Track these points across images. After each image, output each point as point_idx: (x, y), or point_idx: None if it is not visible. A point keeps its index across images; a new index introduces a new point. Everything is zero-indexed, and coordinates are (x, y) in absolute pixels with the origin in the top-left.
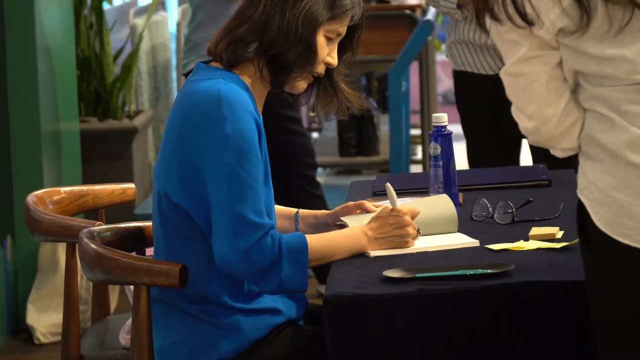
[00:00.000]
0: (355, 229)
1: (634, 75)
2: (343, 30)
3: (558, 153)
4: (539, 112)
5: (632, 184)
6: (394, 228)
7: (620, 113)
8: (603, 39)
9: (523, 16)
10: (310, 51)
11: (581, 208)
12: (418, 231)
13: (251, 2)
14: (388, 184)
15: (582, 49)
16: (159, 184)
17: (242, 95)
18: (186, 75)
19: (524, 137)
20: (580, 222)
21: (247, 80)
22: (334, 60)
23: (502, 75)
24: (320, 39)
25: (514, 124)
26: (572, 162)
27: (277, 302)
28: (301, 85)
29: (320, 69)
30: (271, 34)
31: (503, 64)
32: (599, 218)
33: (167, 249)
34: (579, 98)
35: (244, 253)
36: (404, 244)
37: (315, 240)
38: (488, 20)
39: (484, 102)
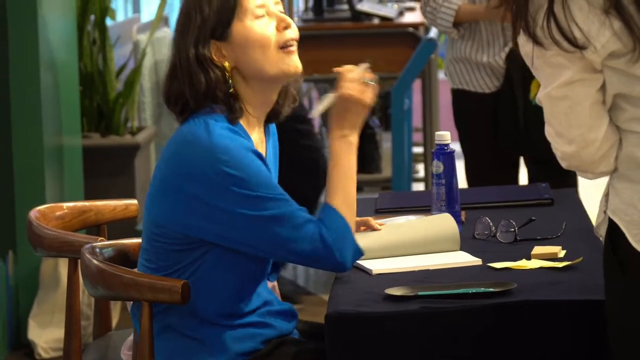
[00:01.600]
0: (334, 139)
1: None
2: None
3: (590, 177)
4: (582, 136)
5: None
6: (351, 104)
7: None
8: None
9: (571, 40)
10: (213, 68)
11: (613, 229)
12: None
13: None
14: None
15: (631, 71)
16: (151, 215)
17: (230, 136)
18: None
19: (522, 154)
20: (612, 241)
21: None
22: (285, 21)
23: (543, 98)
24: (250, 25)
25: (511, 142)
26: (570, 182)
27: (265, 318)
28: (289, 64)
29: (284, 37)
30: (185, 78)
31: (499, 83)
32: (637, 240)
33: (158, 272)
34: (617, 120)
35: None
36: (367, 107)
37: (334, 198)
38: (528, 44)
39: (481, 120)
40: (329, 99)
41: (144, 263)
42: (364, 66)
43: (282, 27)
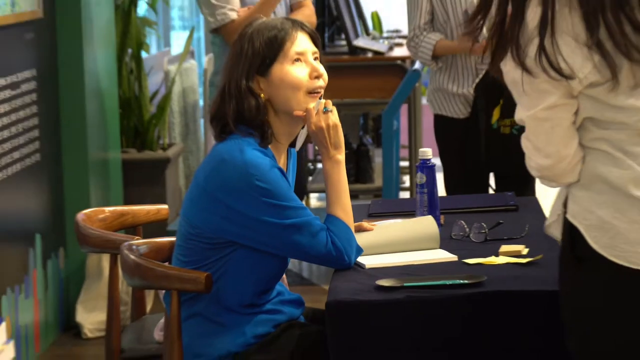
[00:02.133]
0: (325, 163)
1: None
2: (301, 47)
3: (553, 185)
4: (557, 152)
5: (629, 213)
6: (330, 129)
7: (624, 152)
8: (623, 92)
9: (558, 71)
10: (252, 98)
11: (572, 230)
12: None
13: (222, 80)
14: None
15: (603, 98)
16: (187, 217)
17: (261, 158)
18: None
19: (490, 170)
20: (571, 242)
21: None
22: (317, 70)
23: (527, 119)
24: (285, 69)
25: (476, 161)
26: (529, 192)
27: (277, 306)
28: (306, 102)
29: (312, 84)
30: (230, 104)
31: (470, 110)
32: (595, 241)
33: (186, 264)
34: (582, 139)
35: (322, 255)
36: (334, 123)
37: (334, 207)
38: (517, 70)
39: (455, 141)
40: (303, 134)
41: (178, 257)
42: (319, 102)
43: (314, 75)
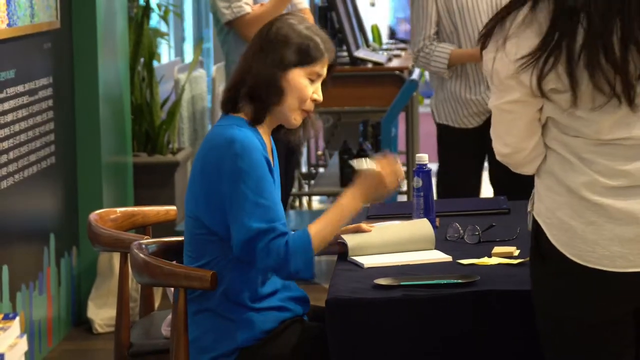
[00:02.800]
0: (345, 197)
1: (596, 135)
2: (323, 71)
3: (518, 171)
4: (515, 144)
5: (586, 215)
6: (376, 181)
7: (580, 158)
8: (582, 109)
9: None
10: (277, 90)
11: (537, 227)
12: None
13: (241, 58)
14: (354, 160)
15: (562, 105)
16: (190, 210)
17: (251, 137)
18: None
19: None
20: (536, 238)
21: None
22: (319, 97)
23: (493, 108)
24: (300, 80)
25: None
26: (526, 195)
27: (284, 302)
28: (295, 119)
29: (309, 105)
30: (251, 80)
31: (481, 120)
32: (556, 239)
33: (198, 260)
34: (545, 137)
35: (258, 257)
36: (389, 192)
37: (316, 226)
38: (489, 63)
39: (460, 148)
40: (369, 164)
41: (188, 254)
42: (402, 170)
43: (314, 98)
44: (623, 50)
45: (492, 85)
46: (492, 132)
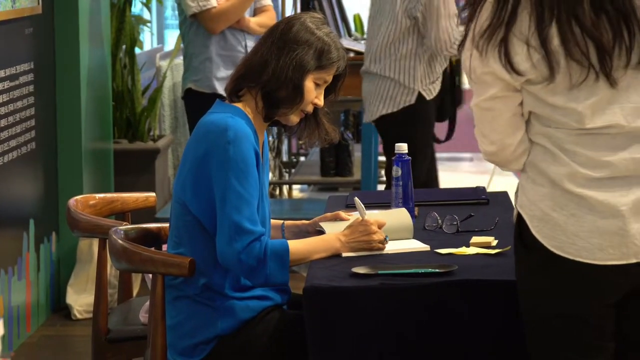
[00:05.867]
0: (331, 235)
1: (578, 124)
2: (329, 78)
3: (505, 170)
4: (501, 140)
5: (567, 207)
6: (362, 235)
7: (562, 150)
8: (561, 92)
9: (510, 64)
10: (297, 92)
11: (520, 219)
12: (386, 238)
13: (254, 51)
14: (356, 198)
15: (541, 96)
16: (177, 194)
17: (245, 127)
18: (182, 97)
19: None
20: (519, 230)
21: (250, 114)
22: (320, 102)
23: (473, 107)
24: (310, 84)
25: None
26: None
27: (266, 291)
28: (294, 119)
29: (309, 108)
30: (266, 76)
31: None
32: (537, 231)
33: (181, 247)
34: (529, 132)
35: (237, 254)
36: (371, 249)
37: (297, 245)
38: (467, 62)
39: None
40: (362, 210)
41: (172, 239)
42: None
43: (315, 102)
44: (594, 18)
45: (471, 84)
46: (477, 133)
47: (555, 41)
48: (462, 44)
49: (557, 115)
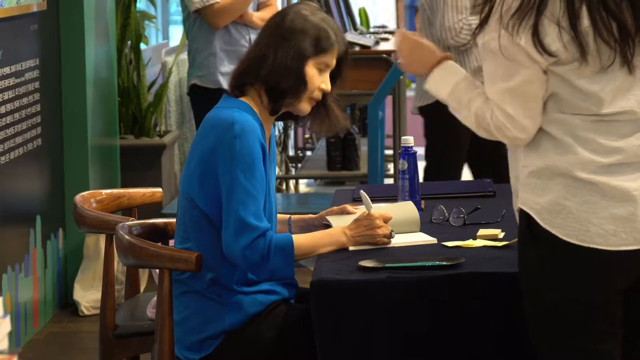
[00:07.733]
0: (337, 229)
1: (596, 109)
2: (331, 62)
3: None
4: (534, 126)
5: (580, 194)
6: (367, 229)
7: (575, 137)
8: (587, 76)
9: (541, 44)
10: (299, 81)
11: (525, 215)
12: (391, 232)
13: (253, 46)
14: (362, 191)
15: (567, 77)
16: (184, 189)
17: (252, 122)
18: (188, 93)
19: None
20: (527, 225)
21: (255, 108)
22: (327, 86)
23: (505, 91)
24: (312, 71)
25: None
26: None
27: (273, 286)
28: (304, 107)
29: (317, 94)
30: (266, 70)
31: None
32: (547, 223)
33: (188, 242)
34: (542, 119)
35: (242, 249)
36: (376, 242)
37: (302, 239)
38: (495, 42)
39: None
40: (368, 203)
41: (179, 234)
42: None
43: (322, 87)
44: (618, 2)
45: (497, 66)
46: (503, 117)
47: (585, 22)
48: (482, 24)
49: (577, 99)
